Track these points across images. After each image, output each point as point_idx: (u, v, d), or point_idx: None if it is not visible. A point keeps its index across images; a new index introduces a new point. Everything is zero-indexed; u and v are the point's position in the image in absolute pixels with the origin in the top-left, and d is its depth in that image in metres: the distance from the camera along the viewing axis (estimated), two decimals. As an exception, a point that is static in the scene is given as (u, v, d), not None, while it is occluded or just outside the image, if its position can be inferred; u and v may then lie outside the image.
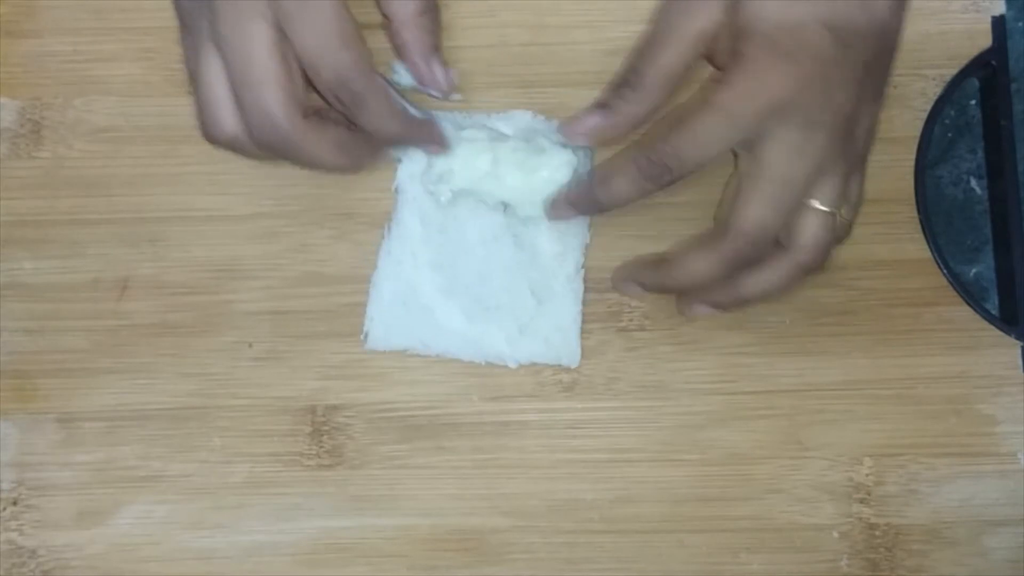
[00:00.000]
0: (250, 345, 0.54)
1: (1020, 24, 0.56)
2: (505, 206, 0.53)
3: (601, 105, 0.48)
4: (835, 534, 0.53)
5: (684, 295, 0.51)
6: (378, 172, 0.54)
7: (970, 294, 0.54)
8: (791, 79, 0.45)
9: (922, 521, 0.53)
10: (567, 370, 0.54)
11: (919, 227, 0.54)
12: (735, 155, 0.48)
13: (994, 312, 0.55)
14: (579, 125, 0.49)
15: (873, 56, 0.46)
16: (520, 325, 0.53)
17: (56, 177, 0.55)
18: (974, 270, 0.56)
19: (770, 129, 0.45)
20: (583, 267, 0.54)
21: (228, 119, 0.48)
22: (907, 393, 0.54)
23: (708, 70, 0.48)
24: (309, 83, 0.48)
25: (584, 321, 0.54)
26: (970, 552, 0.53)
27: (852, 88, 0.46)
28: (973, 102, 0.56)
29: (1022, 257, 0.54)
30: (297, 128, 0.47)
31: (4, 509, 0.54)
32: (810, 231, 0.47)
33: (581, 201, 0.51)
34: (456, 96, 0.54)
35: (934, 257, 0.54)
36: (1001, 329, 0.54)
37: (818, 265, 0.48)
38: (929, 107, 0.55)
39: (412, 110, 0.51)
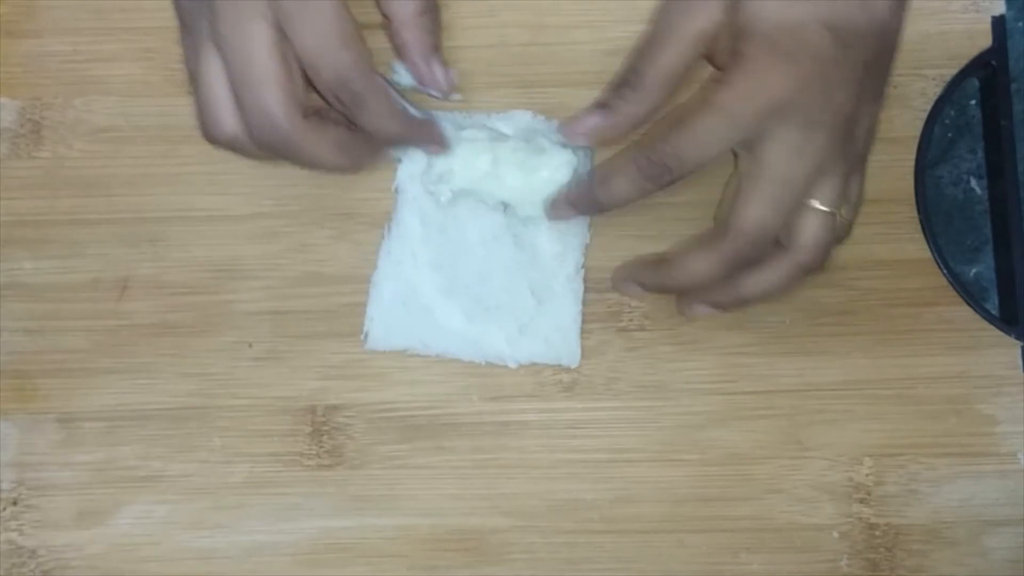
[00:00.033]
0: (250, 345, 0.54)
1: (1020, 24, 0.56)
2: (505, 206, 0.53)
3: (601, 105, 0.48)
4: (835, 534, 0.53)
5: (684, 295, 0.51)
6: (378, 172, 0.54)
7: (970, 294, 0.54)
8: (791, 79, 0.45)
9: (922, 521, 0.53)
10: (567, 370, 0.54)
11: (919, 227, 0.54)
12: (735, 155, 0.48)
13: (994, 312, 0.55)
14: (579, 125, 0.49)
15: (873, 56, 0.46)
16: (520, 325, 0.53)
17: (56, 177, 0.55)
18: (974, 270, 0.56)
19: (770, 129, 0.45)
20: (583, 267, 0.54)
21: (228, 119, 0.48)
22: (907, 393, 0.54)
23: (708, 70, 0.48)
24: (309, 83, 0.48)
25: (584, 321, 0.54)
26: (970, 552, 0.53)
27: (852, 88, 0.46)
28: (973, 102, 0.56)
29: (1022, 257, 0.54)
30: (297, 128, 0.47)
31: (4, 509, 0.54)
32: (810, 231, 0.47)
33: (581, 201, 0.51)
34: (456, 96, 0.54)
35: (934, 257, 0.54)
36: (1001, 329, 0.54)
37: (818, 265, 0.48)
38: (929, 107, 0.55)
39: (412, 110, 0.51)
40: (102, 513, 0.53)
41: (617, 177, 0.48)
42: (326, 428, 0.54)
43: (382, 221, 0.54)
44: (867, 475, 0.53)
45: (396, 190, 0.54)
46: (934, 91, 0.55)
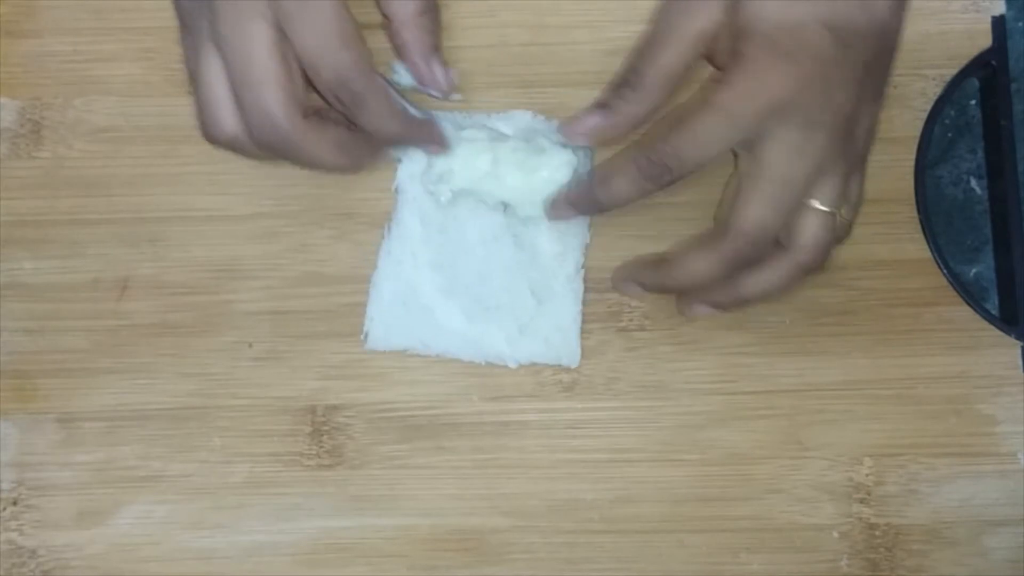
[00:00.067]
0: (250, 345, 0.54)
1: (1020, 24, 0.56)
2: (505, 206, 0.53)
3: (601, 105, 0.48)
4: (835, 534, 0.53)
5: (684, 295, 0.51)
6: (378, 172, 0.54)
7: (970, 294, 0.54)
8: (791, 79, 0.45)
9: (922, 521, 0.53)
10: (567, 370, 0.54)
11: (919, 227, 0.54)
12: (735, 155, 0.48)
13: (994, 312, 0.55)
14: (579, 125, 0.49)
15: (873, 56, 0.46)
16: (520, 325, 0.53)
17: (56, 177, 0.55)
18: (974, 270, 0.56)
19: (770, 129, 0.45)
20: (583, 267, 0.54)
21: (228, 119, 0.48)
22: (907, 393, 0.54)
23: (708, 70, 0.48)
24: (309, 83, 0.48)
25: (584, 321, 0.54)
26: (970, 552, 0.53)
27: (852, 88, 0.46)
28: (973, 102, 0.56)
29: (1022, 257, 0.54)
30: (297, 128, 0.47)
31: (4, 509, 0.54)
32: (810, 231, 0.47)
33: (581, 201, 0.51)
34: (456, 96, 0.54)
35: (934, 257, 0.54)
36: (1001, 329, 0.54)
37: (818, 265, 0.48)
38: (929, 107, 0.55)
39: (412, 110, 0.51)
40: (102, 513, 0.53)
41: (617, 177, 0.48)
42: (326, 428, 0.54)
43: (382, 221, 0.54)
44: (867, 475, 0.53)
45: (396, 190, 0.54)
46: (934, 91, 0.55)
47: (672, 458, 0.54)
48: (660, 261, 0.50)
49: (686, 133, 0.46)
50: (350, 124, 0.49)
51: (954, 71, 0.55)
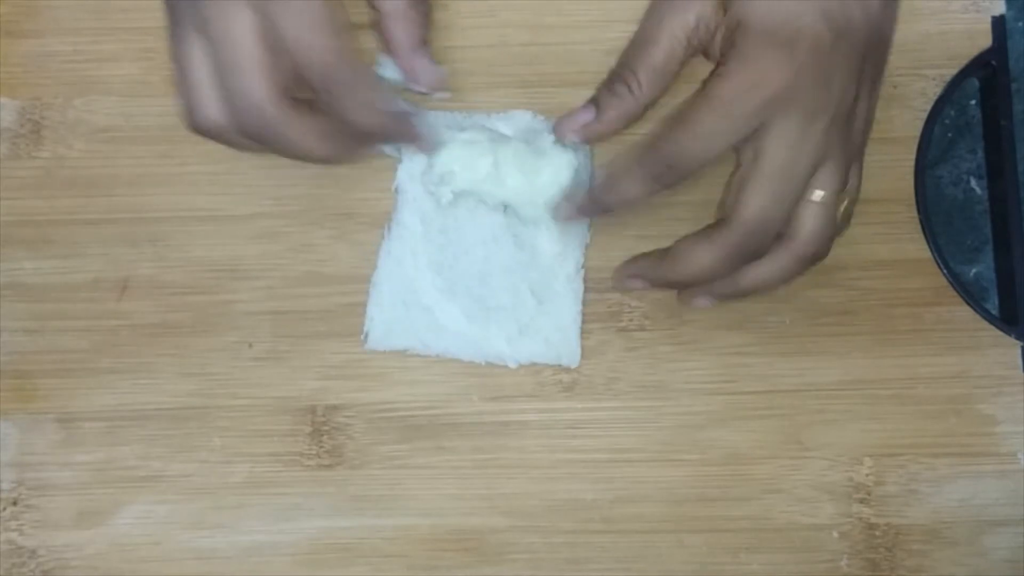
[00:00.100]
0: (250, 345, 0.54)
1: (1020, 24, 0.56)
2: (505, 207, 0.53)
3: (593, 103, 0.48)
4: (835, 534, 0.53)
5: (686, 288, 0.51)
6: (378, 172, 0.54)
7: (970, 294, 0.54)
8: (789, 68, 0.45)
9: (922, 521, 0.53)
10: (567, 370, 0.54)
11: (919, 227, 0.54)
12: (736, 152, 0.48)
13: (994, 312, 0.55)
14: (572, 122, 0.49)
15: (868, 47, 0.46)
16: (520, 325, 0.53)
17: (56, 177, 0.55)
18: (974, 270, 0.56)
19: (770, 120, 0.45)
20: (583, 267, 0.54)
21: (212, 106, 0.47)
22: (907, 393, 0.54)
23: (709, 70, 0.48)
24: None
25: (584, 321, 0.54)
26: (970, 552, 0.53)
27: (849, 77, 0.46)
28: (973, 102, 0.56)
29: (1022, 257, 0.54)
30: (280, 114, 0.46)
31: (4, 509, 0.54)
32: (810, 222, 0.47)
33: (587, 205, 0.51)
34: (444, 94, 0.53)
35: (934, 257, 0.54)
36: (1001, 329, 0.54)
37: (819, 256, 0.48)
38: (929, 107, 0.55)
39: (398, 103, 0.50)
40: (102, 513, 0.53)
41: (623, 178, 0.48)
42: (326, 428, 0.54)
43: (382, 221, 0.54)
44: (867, 475, 0.53)
45: (396, 190, 0.54)
46: (934, 91, 0.55)
47: (672, 458, 0.54)
48: (662, 255, 0.50)
49: (688, 129, 0.46)
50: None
51: (954, 71, 0.55)
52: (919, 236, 0.54)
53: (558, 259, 0.54)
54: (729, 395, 0.54)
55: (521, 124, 0.54)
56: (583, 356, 0.54)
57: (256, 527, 0.53)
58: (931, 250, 0.54)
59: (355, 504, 0.53)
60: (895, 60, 0.54)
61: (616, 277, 0.52)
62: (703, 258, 0.48)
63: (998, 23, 0.55)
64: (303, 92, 0.47)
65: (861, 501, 0.53)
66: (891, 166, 0.55)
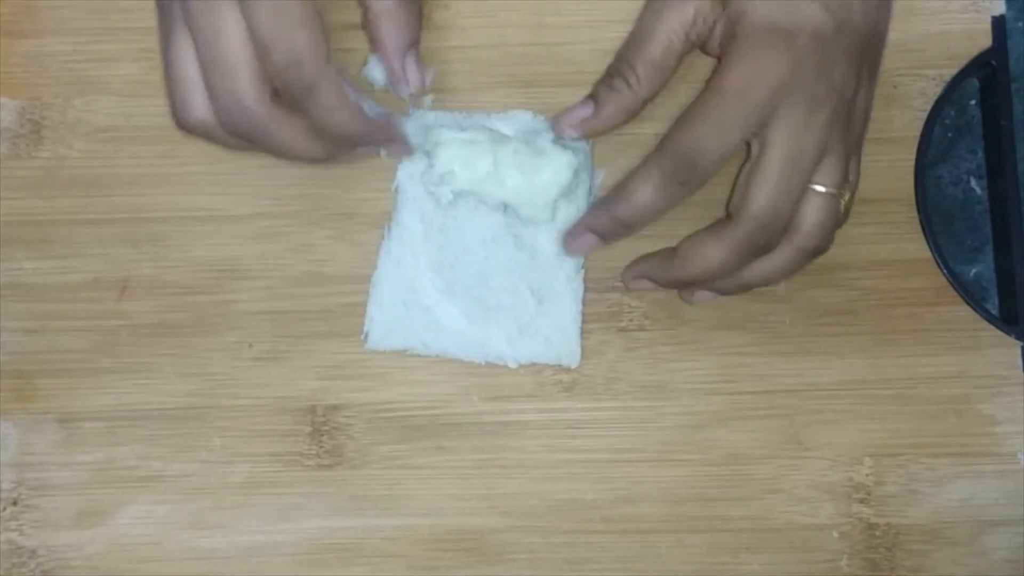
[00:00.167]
0: (250, 345, 0.54)
1: (1020, 24, 0.56)
2: (505, 206, 0.53)
3: (591, 98, 0.48)
4: (835, 534, 0.53)
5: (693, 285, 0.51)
6: (378, 172, 0.54)
7: (970, 294, 0.54)
8: (791, 58, 0.45)
9: (922, 521, 0.53)
10: (567, 370, 0.54)
11: (919, 227, 0.54)
12: (748, 146, 0.48)
13: (994, 312, 0.55)
14: (570, 118, 0.49)
15: (866, 40, 0.46)
16: (520, 325, 0.53)
17: (56, 177, 0.55)
18: (974, 270, 0.56)
19: (775, 112, 0.45)
20: (583, 267, 0.54)
21: (198, 103, 0.47)
22: (907, 393, 0.54)
23: (709, 67, 0.48)
24: None
25: (584, 321, 0.54)
26: (970, 552, 0.53)
27: (849, 66, 0.46)
28: (973, 102, 0.56)
29: (1022, 257, 0.54)
30: (267, 112, 0.46)
31: (4, 509, 0.54)
32: (813, 214, 0.47)
33: (602, 225, 0.50)
34: (427, 99, 0.53)
35: (934, 257, 0.54)
36: (1001, 329, 0.54)
37: (821, 249, 0.48)
38: (929, 107, 0.55)
39: (369, 107, 0.49)
40: (102, 513, 0.53)
41: (640, 187, 0.47)
42: (326, 428, 0.54)
43: (382, 221, 0.54)
44: (867, 475, 0.53)
45: (396, 190, 0.54)
46: (934, 91, 0.55)
47: (672, 458, 0.54)
48: (670, 255, 0.50)
49: (700, 124, 0.46)
50: None
51: (954, 71, 0.55)
52: (919, 236, 0.54)
53: (558, 259, 0.54)
54: (729, 395, 0.54)
55: (521, 124, 0.54)
56: (583, 356, 0.54)
57: (256, 527, 0.53)
58: (931, 250, 0.54)
59: (355, 504, 0.53)
60: (895, 60, 0.54)
61: (624, 278, 0.52)
62: (712, 255, 0.48)
63: (998, 23, 0.55)
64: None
65: (861, 501, 0.53)
66: (891, 166, 0.55)
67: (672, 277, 0.50)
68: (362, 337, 0.54)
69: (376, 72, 0.52)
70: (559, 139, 0.52)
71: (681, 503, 0.53)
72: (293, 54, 0.45)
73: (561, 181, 0.52)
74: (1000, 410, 0.54)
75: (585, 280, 0.54)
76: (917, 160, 0.55)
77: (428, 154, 0.52)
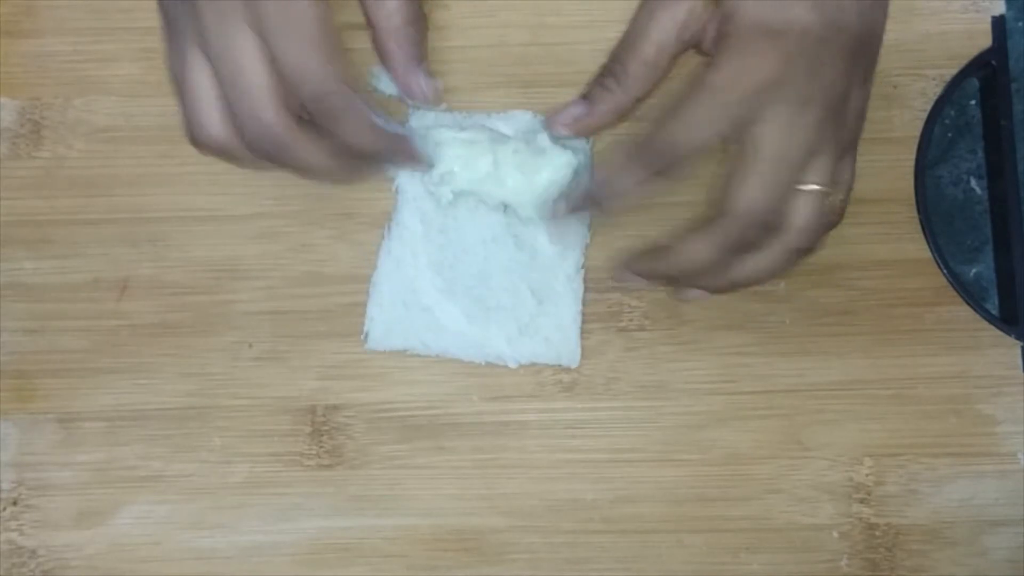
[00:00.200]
0: (250, 345, 0.54)
1: (1020, 24, 0.56)
2: (505, 206, 0.53)
3: (584, 96, 0.49)
4: (835, 534, 0.53)
5: (680, 281, 0.51)
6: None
7: (970, 294, 0.54)
8: (780, 56, 0.45)
9: (922, 521, 0.53)
10: (567, 370, 0.54)
11: (919, 227, 0.54)
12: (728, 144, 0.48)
13: (994, 312, 0.55)
14: (564, 116, 0.49)
15: (860, 37, 0.46)
16: (520, 325, 0.53)
17: (56, 177, 0.55)
18: (974, 270, 0.56)
19: (761, 109, 0.45)
20: (583, 267, 0.54)
21: (216, 124, 0.47)
22: (907, 393, 0.54)
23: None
24: None
25: (584, 321, 0.54)
26: (970, 552, 0.53)
27: (841, 66, 0.46)
28: (973, 102, 0.56)
29: (1022, 257, 0.54)
30: (293, 135, 0.46)
31: (4, 509, 0.54)
32: (802, 213, 0.47)
33: (576, 201, 0.51)
34: (441, 107, 0.53)
35: (934, 257, 0.54)
36: (1001, 329, 0.54)
37: (810, 248, 0.48)
38: (929, 107, 0.55)
39: (390, 125, 0.50)
40: (102, 513, 0.53)
41: (615, 172, 0.48)
42: (326, 428, 0.54)
43: (382, 221, 0.54)
44: (867, 475, 0.53)
45: (396, 190, 0.54)
46: (934, 91, 0.55)
47: (672, 458, 0.54)
48: (656, 250, 0.50)
49: (678, 117, 0.46)
50: None
51: (954, 71, 0.55)
52: (919, 236, 0.54)
53: (558, 259, 0.54)
54: (729, 395, 0.54)
55: (521, 124, 0.54)
56: (583, 356, 0.54)
57: (256, 527, 0.53)
58: (931, 250, 0.54)
59: (355, 504, 0.53)
60: (895, 60, 0.54)
61: (614, 272, 0.52)
62: (696, 250, 0.48)
63: (998, 23, 0.55)
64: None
65: (861, 501, 0.53)
66: (891, 166, 0.55)
67: (657, 271, 0.50)
68: (362, 337, 0.54)
69: (382, 84, 0.53)
70: (559, 139, 0.52)
71: (681, 503, 0.53)
72: (320, 84, 0.46)
73: (561, 181, 0.52)
74: (1000, 410, 0.54)
75: (585, 280, 0.54)
76: (917, 160, 0.55)
77: (428, 154, 0.52)
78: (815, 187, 0.46)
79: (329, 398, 0.54)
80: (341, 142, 0.48)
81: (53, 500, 0.54)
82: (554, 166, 0.52)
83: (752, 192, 0.46)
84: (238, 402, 0.54)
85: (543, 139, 0.52)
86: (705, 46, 0.47)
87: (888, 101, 0.55)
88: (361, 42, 0.51)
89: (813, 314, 0.54)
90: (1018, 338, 0.54)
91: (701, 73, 0.46)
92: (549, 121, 0.51)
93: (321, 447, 0.54)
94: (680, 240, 0.48)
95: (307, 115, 0.47)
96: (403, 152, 0.50)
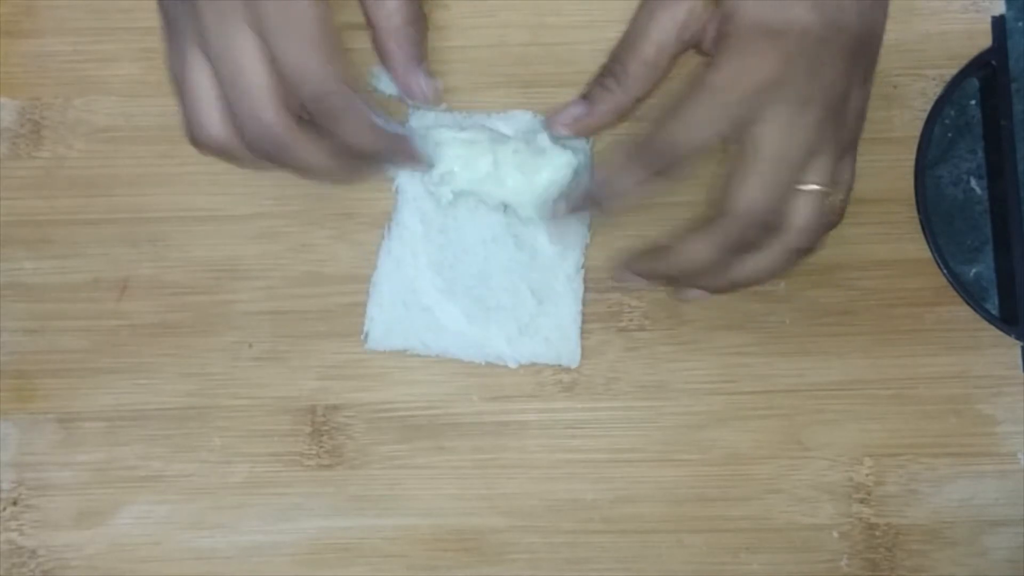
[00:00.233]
0: (250, 345, 0.54)
1: (1020, 24, 0.56)
2: (505, 206, 0.53)
3: (584, 96, 0.49)
4: (835, 534, 0.53)
5: (680, 280, 0.51)
6: (378, 172, 0.54)
7: (970, 294, 0.54)
8: (780, 56, 0.45)
9: (922, 521, 0.53)
10: (567, 370, 0.54)
11: (919, 227, 0.54)
12: (728, 144, 0.48)
13: (994, 312, 0.55)
14: (563, 116, 0.49)
15: (860, 37, 0.46)
16: (520, 325, 0.53)
17: (56, 177, 0.55)
18: (974, 270, 0.56)
19: (761, 109, 0.45)
20: (583, 267, 0.54)
21: (216, 123, 0.47)
22: (907, 393, 0.54)
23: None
24: None
25: (584, 321, 0.54)
26: (970, 552, 0.53)
27: (841, 67, 0.46)
28: (973, 102, 0.56)
29: (1022, 257, 0.54)
30: (290, 135, 0.47)
31: (4, 509, 0.54)
32: (801, 213, 0.47)
33: (576, 200, 0.51)
34: (441, 106, 0.53)
35: (934, 257, 0.54)
36: (1001, 329, 0.54)
37: (810, 248, 0.48)
38: (929, 107, 0.55)
39: (389, 125, 0.50)
40: (102, 513, 0.53)
41: (615, 172, 0.48)
42: (326, 428, 0.54)
43: (382, 221, 0.54)
44: (867, 475, 0.53)
45: (396, 190, 0.54)
46: (934, 91, 0.55)
47: (672, 458, 0.54)
48: (656, 249, 0.50)
49: (678, 118, 0.46)
50: None
51: (954, 71, 0.55)
52: (919, 236, 0.54)
53: (558, 259, 0.54)
54: (729, 395, 0.54)
55: (521, 124, 0.54)
56: (583, 356, 0.54)
57: (256, 527, 0.53)
58: (931, 250, 0.54)
59: (355, 504, 0.53)
60: (895, 60, 0.54)
61: (615, 273, 0.52)
62: (696, 250, 0.48)
63: (998, 23, 0.55)
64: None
65: (861, 501, 0.53)
66: (891, 166, 0.55)
67: (657, 271, 0.50)
68: (362, 337, 0.54)
69: (382, 83, 0.53)
70: (559, 139, 0.52)
71: (681, 503, 0.53)
72: (321, 85, 0.46)
73: (561, 181, 0.52)
74: (1000, 410, 0.54)
75: (585, 280, 0.54)
76: (917, 160, 0.55)
77: (428, 154, 0.52)
78: (815, 187, 0.47)
79: (329, 398, 0.54)
80: (341, 142, 0.48)
81: (53, 500, 0.54)
82: (554, 166, 0.52)
83: (752, 192, 0.46)
84: (238, 402, 0.54)
85: (543, 139, 0.52)
86: (705, 46, 0.47)
87: (888, 101, 0.55)
88: (361, 42, 0.51)
89: (813, 314, 0.54)
90: (1018, 338, 0.54)
91: (701, 73, 0.46)
92: (549, 121, 0.51)
93: (321, 447, 0.54)
94: (680, 240, 0.48)
95: (307, 115, 0.47)
96: (403, 152, 0.51)
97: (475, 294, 0.53)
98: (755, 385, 0.54)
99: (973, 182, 0.56)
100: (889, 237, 0.55)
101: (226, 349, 0.54)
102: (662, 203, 0.52)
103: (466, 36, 0.55)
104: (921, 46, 0.55)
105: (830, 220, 0.48)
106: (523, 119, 0.54)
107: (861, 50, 0.47)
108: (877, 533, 0.53)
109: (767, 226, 0.47)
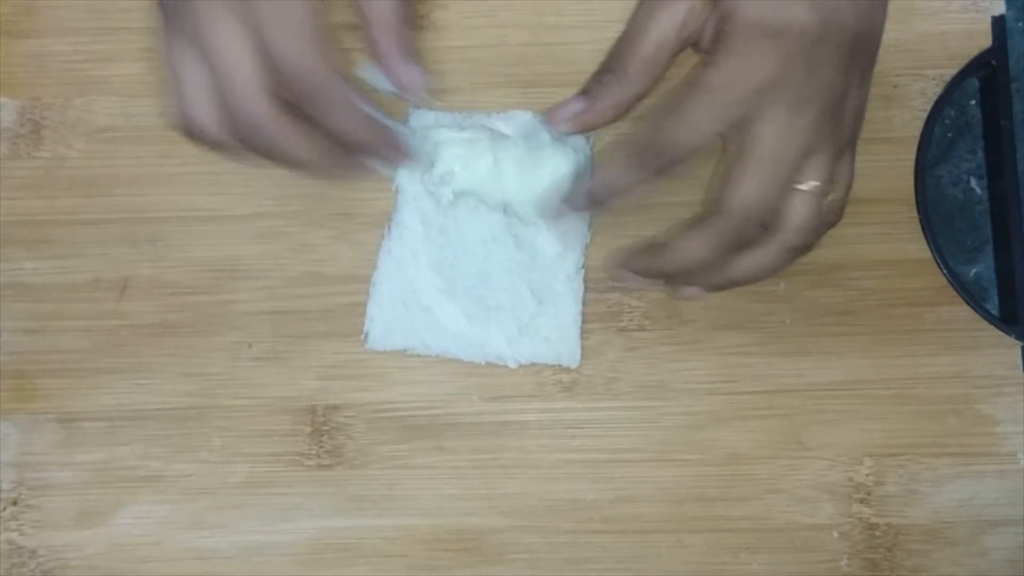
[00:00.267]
0: (250, 345, 0.54)
1: (1020, 24, 0.56)
2: (505, 206, 0.53)
3: (583, 92, 0.49)
4: (835, 534, 0.53)
5: (676, 278, 0.51)
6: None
7: (970, 294, 0.54)
8: (778, 56, 0.45)
9: (922, 521, 0.53)
10: (567, 370, 0.54)
11: (919, 227, 0.54)
12: (725, 141, 0.48)
13: (994, 312, 0.55)
14: (564, 112, 0.49)
15: (858, 37, 0.46)
16: (520, 325, 0.53)
17: (56, 177, 0.55)
18: (974, 270, 0.56)
19: (759, 108, 0.45)
20: (583, 267, 0.54)
21: (205, 115, 0.47)
22: (907, 393, 0.54)
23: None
24: None
25: (584, 321, 0.54)
26: (970, 552, 0.53)
27: (839, 66, 0.46)
28: (973, 102, 0.56)
29: (1022, 257, 0.54)
30: (278, 127, 0.46)
31: (4, 509, 0.54)
32: (799, 212, 0.47)
33: (575, 200, 0.51)
34: (438, 105, 0.53)
35: (934, 257, 0.54)
36: (1001, 329, 0.54)
37: (807, 247, 0.48)
38: (929, 107, 0.55)
39: (379, 117, 0.49)
40: (102, 513, 0.53)
41: (610, 169, 0.48)
42: (326, 428, 0.54)
43: (382, 221, 0.54)
44: (867, 475, 0.53)
45: (396, 190, 0.54)
46: (934, 91, 0.55)
47: (672, 458, 0.54)
48: (653, 247, 0.50)
49: (675, 116, 0.46)
50: None
51: (954, 71, 0.55)
52: (919, 236, 0.54)
53: (558, 259, 0.54)
54: (729, 395, 0.54)
55: (521, 124, 0.54)
56: (583, 356, 0.54)
57: (256, 527, 0.53)
58: (931, 250, 0.54)
59: (355, 504, 0.53)
60: (895, 60, 0.54)
61: (608, 267, 0.52)
62: (692, 247, 0.48)
63: (998, 23, 0.55)
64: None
65: (861, 501, 0.53)
66: (891, 166, 0.55)
67: (654, 269, 0.50)
68: (362, 337, 0.54)
69: (371, 76, 0.52)
70: (559, 138, 0.52)
71: (681, 503, 0.53)
72: (310, 75, 0.46)
73: (561, 180, 0.52)
74: (1000, 410, 0.54)
75: (585, 280, 0.54)
76: (917, 160, 0.55)
77: (428, 154, 0.52)
78: (812, 186, 0.47)
79: (329, 398, 0.54)
80: (331, 133, 0.47)
81: (53, 500, 0.54)
82: (554, 166, 0.52)
83: (749, 190, 0.46)
84: (238, 402, 0.54)
85: (543, 139, 0.52)
86: (703, 45, 0.47)
87: (888, 101, 0.55)
88: (354, 43, 0.51)
89: (813, 314, 0.54)
90: (1018, 338, 0.54)
91: (700, 72, 0.46)
92: (549, 117, 0.50)
93: (321, 447, 0.54)
94: (677, 237, 0.48)
95: (299, 108, 0.47)
96: (394, 144, 0.50)
97: (475, 294, 0.53)
98: (755, 385, 0.54)
99: (973, 182, 0.56)
100: (889, 237, 0.55)
101: (226, 349, 0.54)
102: (662, 203, 0.52)
103: (466, 36, 0.55)
104: (921, 46, 0.55)
105: (828, 219, 0.48)
106: (523, 119, 0.54)
107: (860, 50, 0.47)
108: (877, 533, 0.53)
109: (764, 224, 0.47)
